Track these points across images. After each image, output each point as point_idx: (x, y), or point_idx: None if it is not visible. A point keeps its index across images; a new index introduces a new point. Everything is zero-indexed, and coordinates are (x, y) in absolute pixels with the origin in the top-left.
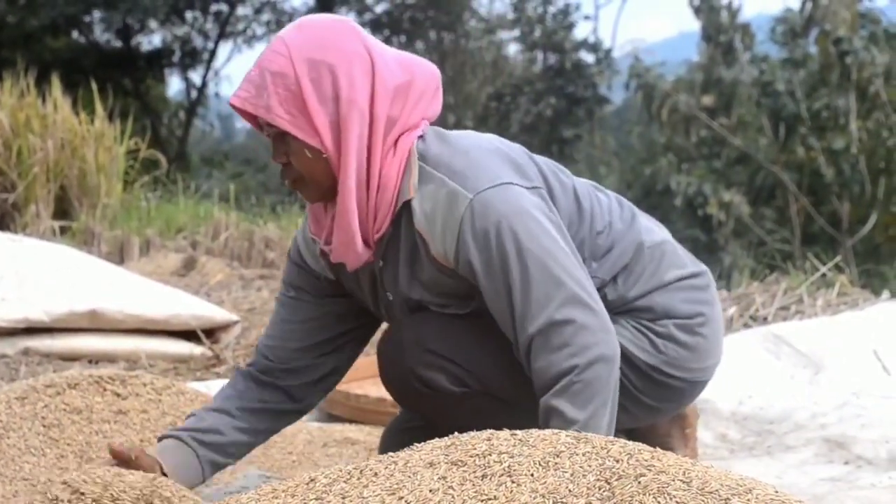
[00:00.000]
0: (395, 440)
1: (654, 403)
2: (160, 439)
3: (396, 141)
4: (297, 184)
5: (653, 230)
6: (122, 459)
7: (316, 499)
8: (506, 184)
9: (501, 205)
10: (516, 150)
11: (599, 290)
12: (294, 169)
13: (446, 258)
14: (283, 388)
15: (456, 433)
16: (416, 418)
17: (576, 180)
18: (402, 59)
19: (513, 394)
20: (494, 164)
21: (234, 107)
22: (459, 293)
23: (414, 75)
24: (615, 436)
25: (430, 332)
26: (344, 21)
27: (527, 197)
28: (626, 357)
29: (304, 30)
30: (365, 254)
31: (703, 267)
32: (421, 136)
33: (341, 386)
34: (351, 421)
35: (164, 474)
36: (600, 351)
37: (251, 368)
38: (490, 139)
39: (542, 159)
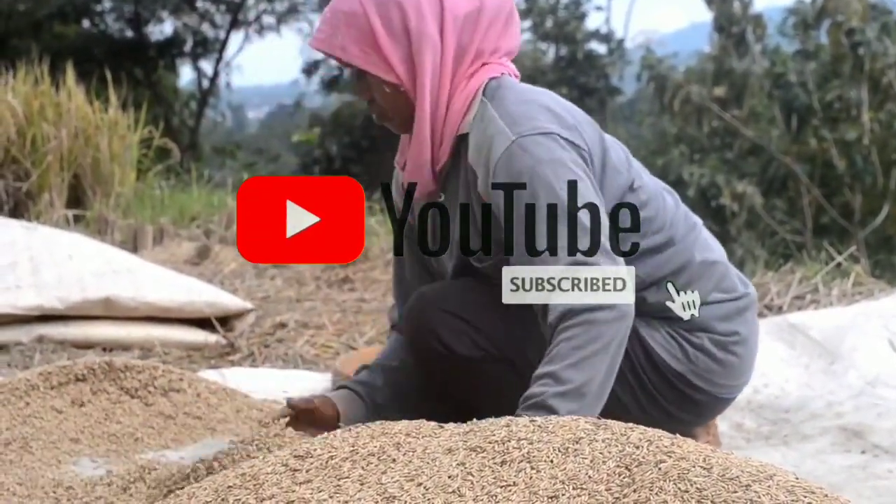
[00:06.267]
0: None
1: (673, 410)
2: (335, 389)
3: (473, 74)
4: (383, 118)
5: (710, 248)
6: (303, 410)
7: (335, 484)
8: (549, 133)
9: (539, 150)
10: (582, 116)
11: (640, 291)
12: (376, 104)
13: (486, 194)
14: None
15: (475, 420)
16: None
17: (648, 174)
18: None
19: (528, 362)
20: (547, 116)
21: (314, 48)
22: (497, 238)
23: (483, 1)
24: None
25: (452, 296)
26: None
27: (566, 150)
28: (653, 360)
29: None
30: (431, 183)
31: (751, 290)
32: (496, 77)
33: (346, 369)
34: None
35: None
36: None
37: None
38: (562, 101)
39: (612, 140)
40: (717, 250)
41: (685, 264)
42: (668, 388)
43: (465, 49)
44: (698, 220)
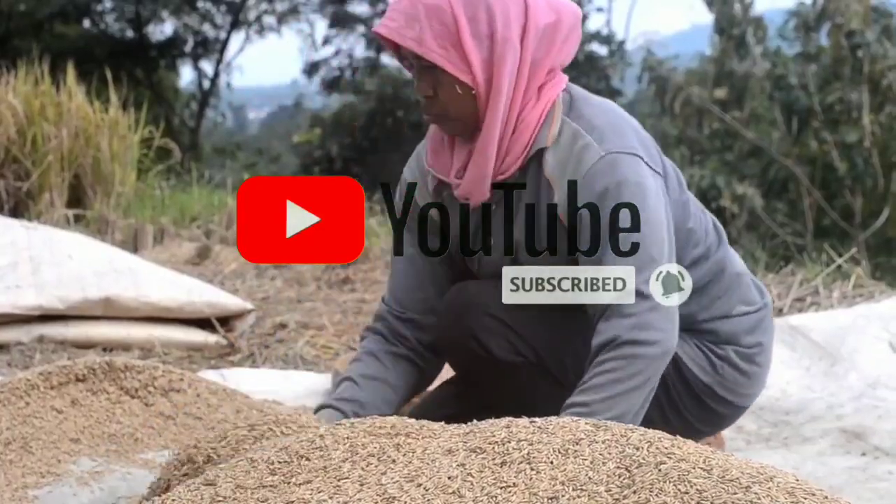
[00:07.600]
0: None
1: (695, 422)
2: (317, 409)
3: (541, 88)
4: (440, 118)
5: (735, 259)
6: None
7: (335, 485)
8: (637, 156)
9: (627, 170)
10: (650, 138)
11: None
12: (439, 102)
13: (563, 209)
14: (413, 349)
15: (477, 421)
16: (451, 403)
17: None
18: None
19: (565, 371)
20: (630, 134)
21: (379, 35)
22: (560, 251)
23: (560, 14)
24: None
25: (496, 298)
26: None
27: (651, 176)
28: (682, 373)
29: None
30: (486, 194)
31: (767, 298)
32: (565, 90)
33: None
34: None
35: None
36: (662, 337)
37: (386, 334)
38: (630, 117)
39: (668, 161)
40: (739, 261)
41: (717, 276)
42: (694, 401)
43: (541, 61)
44: (722, 229)
